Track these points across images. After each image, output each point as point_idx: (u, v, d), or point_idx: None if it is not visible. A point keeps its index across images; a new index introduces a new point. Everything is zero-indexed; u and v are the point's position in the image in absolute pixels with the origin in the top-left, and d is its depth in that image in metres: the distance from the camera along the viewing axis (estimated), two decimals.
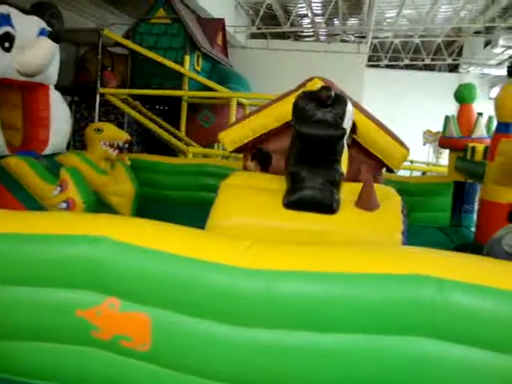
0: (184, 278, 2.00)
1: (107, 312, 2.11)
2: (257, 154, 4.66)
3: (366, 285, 1.86)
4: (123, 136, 5.64)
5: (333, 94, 2.97)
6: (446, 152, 10.38)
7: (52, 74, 5.24)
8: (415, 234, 3.27)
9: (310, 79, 4.09)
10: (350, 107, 3.06)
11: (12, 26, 4.53)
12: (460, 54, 20.04)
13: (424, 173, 10.67)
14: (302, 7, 15.73)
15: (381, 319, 1.84)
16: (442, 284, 1.81)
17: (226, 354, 1.96)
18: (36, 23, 4.84)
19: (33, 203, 4.55)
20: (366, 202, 3.05)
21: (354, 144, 3.93)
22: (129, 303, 2.09)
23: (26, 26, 4.72)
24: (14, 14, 4.59)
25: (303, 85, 4.05)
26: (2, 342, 2.32)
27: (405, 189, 6.09)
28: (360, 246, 2.25)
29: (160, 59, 8.71)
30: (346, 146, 3.21)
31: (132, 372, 2.15)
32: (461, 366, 1.79)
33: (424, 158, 15.20)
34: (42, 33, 4.85)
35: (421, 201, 6.74)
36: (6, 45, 4.52)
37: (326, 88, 3.00)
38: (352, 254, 2.03)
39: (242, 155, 4.71)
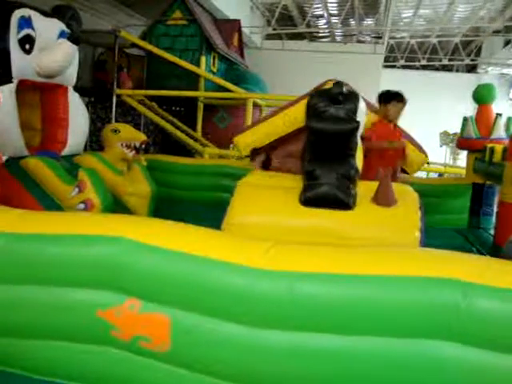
0: (203, 279, 2.00)
1: (127, 313, 2.12)
2: (254, 153, 4.70)
3: (389, 287, 1.83)
4: (140, 137, 5.67)
5: (344, 89, 2.99)
6: (463, 153, 10.27)
7: (71, 75, 5.29)
8: (433, 236, 3.23)
9: (325, 82, 4.10)
10: (362, 103, 3.07)
11: (33, 28, 4.59)
12: (478, 53, 19.80)
13: (441, 174, 10.57)
14: (317, 8, 15.68)
15: (403, 322, 1.82)
16: (466, 288, 1.78)
17: (246, 355, 1.95)
18: (56, 25, 4.90)
19: (51, 203, 4.60)
20: (383, 197, 3.03)
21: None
22: (148, 304, 2.10)
23: (47, 29, 4.78)
24: (35, 16, 4.65)
25: (317, 89, 4.06)
26: (22, 340, 2.35)
27: (422, 190, 6.01)
28: (383, 248, 2.23)
29: (176, 60, 8.75)
30: (359, 142, 3.21)
31: (151, 372, 2.16)
32: (484, 371, 1.76)
33: (441, 159, 15.06)
34: (61, 35, 4.91)
35: (438, 203, 6.67)
36: (27, 47, 4.58)
37: (338, 84, 3.01)
38: (375, 256, 2.01)
39: None
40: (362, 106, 3.05)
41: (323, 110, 2.95)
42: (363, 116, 3.11)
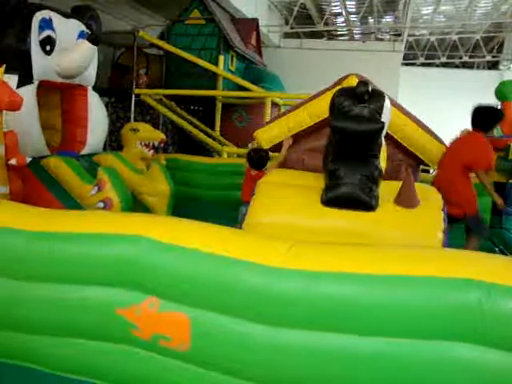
0: (223, 278, 2.00)
1: (147, 311, 2.13)
2: (250, 154, 4.72)
3: (410, 288, 1.81)
4: (159, 136, 5.70)
5: (370, 88, 2.92)
6: None
7: (90, 75, 5.34)
8: (454, 237, 3.18)
9: (346, 77, 4.04)
10: (387, 102, 3.01)
11: (53, 29, 4.65)
12: (500, 50, 19.47)
13: None
14: (335, 6, 15.58)
15: (424, 324, 1.79)
16: (489, 288, 1.74)
17: (264, 354, 1.94)
18: (76, 26, 4.95)
19: (71, 202, 4.65)
20: (406, 198, 2.98)
21: (391, 142, 3.87)
22: (168, 303, 2.10)
23: (67, 30, 4.83)
24: (55, 17, 4.71)
25: (339, 82, 4.01)
26: (43, 336, 2.37)
27: None
28: (404, 248, 2.19)
29: (194, 59, 8.77)
30: (384, 141, 3.15)
31: (170, 371, 2.16)
32: (508, 373, 1.73)
33: None
34: (81, 35, 4.96)
35: None
36: (48, 48, 4.63)
37: (363, 83, 2.95)
38: (395, 256, 1.98)
39: (276, 154, 4.70)
40: (387, 105, 2.99)
41: (348, 109, 2.88)
42: (388, 115, 3.04)
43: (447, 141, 4.75)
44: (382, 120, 2.93)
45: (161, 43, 9.06)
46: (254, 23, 10.89)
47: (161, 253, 2.11)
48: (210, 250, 2.06)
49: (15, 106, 3.71)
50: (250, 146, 9.53)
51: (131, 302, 2.17)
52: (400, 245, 2.61)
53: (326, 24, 16.07)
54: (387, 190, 3.11)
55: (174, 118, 8.88)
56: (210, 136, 8.97)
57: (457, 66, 21.46)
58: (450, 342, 1.78)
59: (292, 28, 15.50)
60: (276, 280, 1.92)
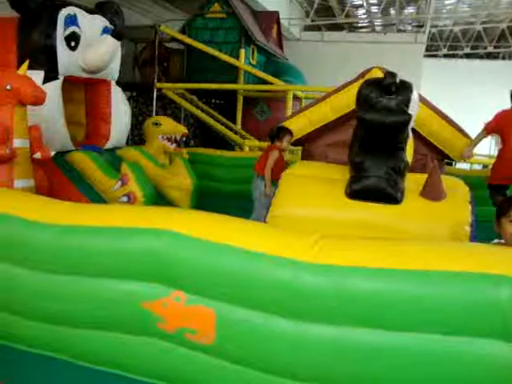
0: (249, 272, 1.99)
1: (173, 304, 2.14)
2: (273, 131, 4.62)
3: (437, 283, 1.78)
4: (181, 129, 5.73)
5: (397, 80, 2.88)
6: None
7: (114, 70, 5.40)
8: (477, 229, 3.13)
9: (369, 69, 4.01)
10: (415, 94, 2.96)
11: (78, 25, 4.71)
12: None
13: (485, 166, 10.25)
14: None
15: (453, 320, 1.76)
16: None
17: (290, 349, 1.94)
18: (99, 22, 5.00)
19: (95, 196, 4.72)
20: (433, 191, 2.94)
21: (415, 135, 3.83)
22: (194, 296, 2.11)
23: (91, 25, 4.88)
24: (80, 14, 4.77)
25: (362, 75, 3.98)
26: (70, 328, 2.41)
27: (466, 182, 5.86)
28: (431, 242, 2.16)
29: (216, 53, 8.79)
30: (410, 134, 3.11)
31: (194, 364, 2.17)
32: None
33: (485, 150, 14.58)
34: (104, 31, 5.00)
35: (483, 194, 6.46)
36: (73, 44, 4.69)
37: (391, 74, 2.90)
38: (423, 251, 1.95)
39: (298, 148, 4.68)
40: (414, 96, 2.94)
41: (375, 100, 2.84)
42: (416, 107, 3.00)
43: (474, 132, 4.70)
44: (410, 112, 2.89)
45: (182, 37, 9.09)
46: (274, 16, 10.85)
47: (186, 246, 2.12)
48: (236, 243, 2.06)
49: (39, 100, 3.77)
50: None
51: (157, 295, 2.18)
52: (427, 238, 2.59)
53: (347, 16, 15.91)
54: (413, 182, 3.08)
55: (196, 111, 8.92)
56: (231, 130, 8.99)
57: (481, 57, 21.04)
58: (480, 339, 1.76)
59: (313, 21, 15.40)
60: (302, 274, 1.90)
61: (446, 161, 4.71)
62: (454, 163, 8.34)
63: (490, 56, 21.03)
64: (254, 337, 2.01)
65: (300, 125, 4.08)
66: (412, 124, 3.00)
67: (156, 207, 2.67)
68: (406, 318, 1.81)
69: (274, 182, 4.04)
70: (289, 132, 4.42)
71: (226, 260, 2.04)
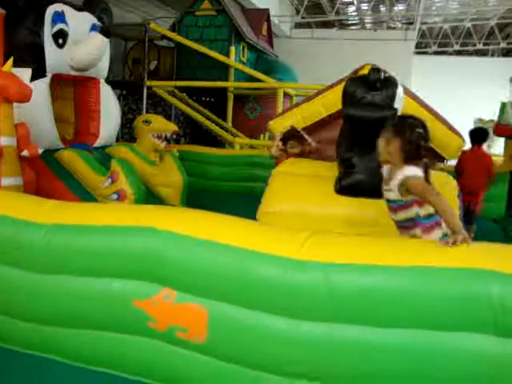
0: (240, 270, 1.98)
1: (163, 303, 2.12)
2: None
3: (430, 279, 1.78)
4: (171, 127, 5.71)
5: (382, 76, 2.90)
6: (499, 140, 9.98)
7: (103, 68, 5.36)
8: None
9: (362, 67, 4.02)
10: (400, 89, 2.98)
11: (66, 23, 4.67)
12: None
13: None
14: None
15: (445, 315, 1.76)
16: (504, 279, 1.71)
17: (282, 347, 1.93)
18: (88, 19, 4.97)
19: (86, 194, 4.68)
20: None
21: None
22: (184, 294, 2.09)
23: (79, 23, 4.84)
24: (68, 11, 4.72)
25: (355, 72, 3.98)
26: (60, 328, 2.39)
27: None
28: (421, 238, 2.17)
29: (206, 51, 8.76)
30: None
31: (187, 363, 2.16)
32: None
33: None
34: (93, 28, 4.97)
35: None
36: (60, 41, 4.66)
37: (376, 70, 2.93)
38: (413, 247, 1.96)
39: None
40: (400, 92, 2.96)
41: (360, 96, 2.87)
42: (401, 102, 3.02)
43: (463, 129, 4.72)
44: (395, 107, 2.91)
45: (172, 35, 9.05)
46: (264, 14, 10.83)
47: (177, 245, 2.11)
48: (227, 241, 2.04)
49: (24, 97, 3.74)
50: (262, 137, 9.55)
51: (148, 293, 2.16)
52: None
53: (338, 13, 15.94)
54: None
55: (186, 109, 8.89)
56: (221, 127, 8.97)
57: (470, 54, 21.17)
58: (471, 334, 1.76)
59: (303, 18, 15.42)
60: (296, 272, 1.89)
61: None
62: (445, 161, 8.39)
63: (479, 53, 21.17)
64: (247, 335, 1.99)
65: (290, 122, 4.07)
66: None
67: (148, 206, 2.64)
68: (398, 314, 1.81)
69: None
70: (290, 137, 4.05)
71: (217, 258, 2.02)
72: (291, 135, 4.06)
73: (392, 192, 2.24)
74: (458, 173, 5.37)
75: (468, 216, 5.02)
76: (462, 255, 1.85)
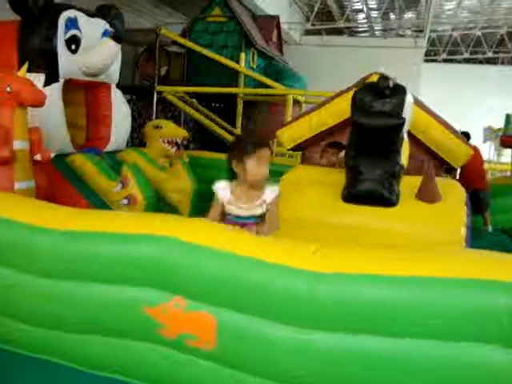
0: (250, 279, 2.00)
1: (172, 310, 2.14)
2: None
3: (437, 289, 1.78)
4: (181, 133, 5.74)
5: (391, 83, 2.91)
6: (508, 149, 9.92)
7: (114, 73, 5.41)
8: (477, 236, 3.14)
9: (370, 75, 4.02)
10: (409, 97, 2.99)
11: (78, 28, 4.72)
12: None
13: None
14: (357, 2, 15.46)
15: (452, 326, 1.76)
16: None
17: (291, 356, 1.94)
18: (100, 25, 5.02)
19: (96, 199, 4.71)
20: (428, 193, 2.96)
21: (415, 142, 3.83)
22: (195, 303, 2.10)
23: (91, 28, 4.90)
24: (81, 17, 4.78)
25: (363, 80, 3.99)
26: (70, 333, 2.41)
27: None
28: (431, 249, 2.17)
29: (216, 57, 8.79)
30: (405, 137, 3.13)
31: (196, 370, 2.17)
32: None
33: (485, 155, 14.58)
34: (105, 34, 5.02)
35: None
36: (73, 47, 4.71)
37: (384, 78, 2.94)
38: (423, 258, 1.96)
39: (297, 153, 4.67)
40: (408, 100, 2.97)
41: (369, 104, 2.88)
42: (410, 110, 3.02)
43: (473, 137, 4.71)
44: (403, 115, 2.92)
45: (182, 40, 9.10)
46: (274, 20, 10.86)
47: (188, 253, 2.12)
48: (237, 251, 2.06)
49: (39, 102, 3.78)
50: (270, 143, 9.54)
51: (158, 301, 2.18)
52: (423, 240, 2.59)
53: (347, 21, 15.94)
54: (409, 185, 3.09)
55: (196, 115, 8.92)
56: (231, 133, 8.99)
57: (480, 62, 21.09)
58: (478, 344, 1.76)
59: (313, 25, 15.42)
60: (304, 282, 1.91)
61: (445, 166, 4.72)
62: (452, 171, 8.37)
63: (489, 61, 21.09)
64: (256, 343, 2.00)
65: (298, 132, 4.08)
66: (407, 127, 3.02)
67: (160, 214, 2.65)
68: (408, 325, 1.81)
69: None
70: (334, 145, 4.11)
71: (227, 267, 2.04)
72: (335, 143, 4.13)
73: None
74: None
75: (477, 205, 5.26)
76: (469, 266, 1.86)
